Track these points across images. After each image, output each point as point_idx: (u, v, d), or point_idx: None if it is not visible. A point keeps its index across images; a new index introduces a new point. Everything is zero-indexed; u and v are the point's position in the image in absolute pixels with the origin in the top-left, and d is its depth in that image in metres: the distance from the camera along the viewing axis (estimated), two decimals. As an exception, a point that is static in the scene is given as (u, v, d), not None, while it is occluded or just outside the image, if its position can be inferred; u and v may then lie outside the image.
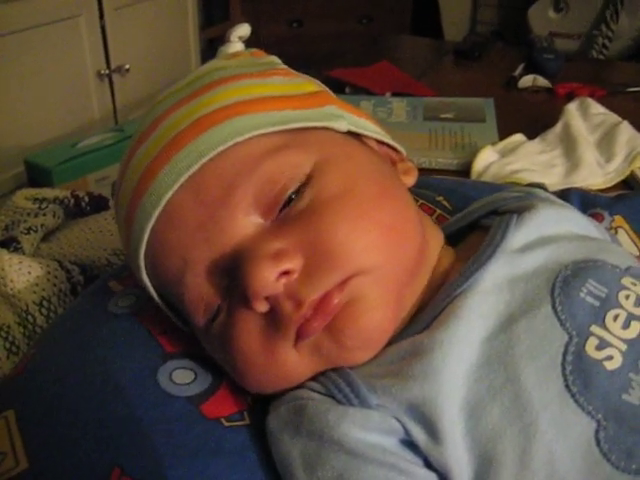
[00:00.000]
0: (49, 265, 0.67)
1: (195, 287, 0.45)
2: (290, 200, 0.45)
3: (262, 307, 0.43)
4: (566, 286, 0.45)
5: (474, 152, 1.05)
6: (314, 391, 0.45)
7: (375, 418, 0.43)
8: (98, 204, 0.80)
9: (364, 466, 0.41)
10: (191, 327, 0.50)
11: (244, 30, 0.55)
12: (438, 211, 0.66)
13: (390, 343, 0.46)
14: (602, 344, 0.43)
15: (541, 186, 0.67)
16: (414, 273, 0.48)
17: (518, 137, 1.11)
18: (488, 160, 1.04)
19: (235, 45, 0.55)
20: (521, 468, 0.40)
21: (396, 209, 0.47)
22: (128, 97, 2.29)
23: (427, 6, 2.99)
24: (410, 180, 0.54)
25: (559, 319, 0.43)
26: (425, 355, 0.43)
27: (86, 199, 0.80)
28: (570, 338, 0.43)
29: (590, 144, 1.06)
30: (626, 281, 0.46)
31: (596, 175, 1.01)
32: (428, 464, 0.42)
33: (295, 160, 0.45)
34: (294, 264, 0.43)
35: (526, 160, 1.04)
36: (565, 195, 0.68)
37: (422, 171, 1.02)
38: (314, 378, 0.46)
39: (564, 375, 0.42)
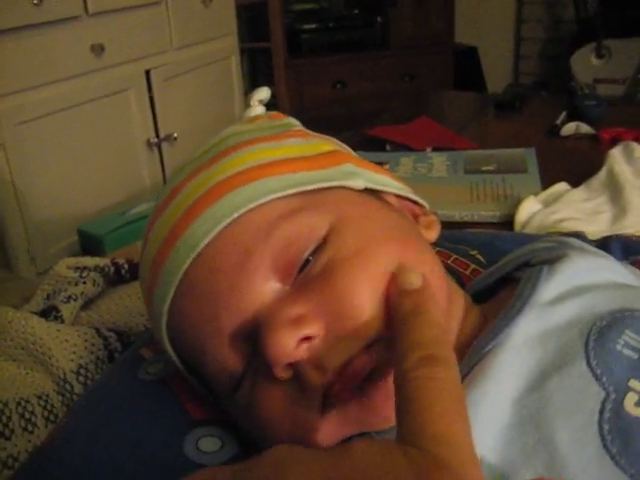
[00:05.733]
0: (86, 333, 0.68)
1: (218, 356, 0.44)
2: (307, 262, 0.44)
3: (284, 374, 0.42)
4: (601, 338, 0.43)
5: (516, 203, 1.03)
6: None
7: None
8: (137, 271, 0.81)
9: None
10: (216, 394, 0.49)
11: (263, 93, 0.56)
12: (472, 265, 0.64)
13: (419, 404, 0.44)
14: None
15: (579, 234, 0.65)
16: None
17: (562, 186, 1.09)
18: (531, 210, 1.02)
19: (256, 109, 0.55)
20: None
21: (417, 264, 0.46)
22: (177, 164, 2.35)
23: (469, 61, 3.01)
24: (433, 234, 0.53)
25: (594, 374, 0.41)
26: None
27: (125, 266, 0.81)
28: (607, 394, 0.40)
29: (637, 188, 1.03)
30: None
31: (645, 220, 0.98)
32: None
33: (311, 222, 0.45)
34: (315, 329, 0.41)
35: (571, 208, 1.01)
36: (606, 243, 0.66)
37: (464, 225, 1.02)
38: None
39: (601, 435, 0.39)
